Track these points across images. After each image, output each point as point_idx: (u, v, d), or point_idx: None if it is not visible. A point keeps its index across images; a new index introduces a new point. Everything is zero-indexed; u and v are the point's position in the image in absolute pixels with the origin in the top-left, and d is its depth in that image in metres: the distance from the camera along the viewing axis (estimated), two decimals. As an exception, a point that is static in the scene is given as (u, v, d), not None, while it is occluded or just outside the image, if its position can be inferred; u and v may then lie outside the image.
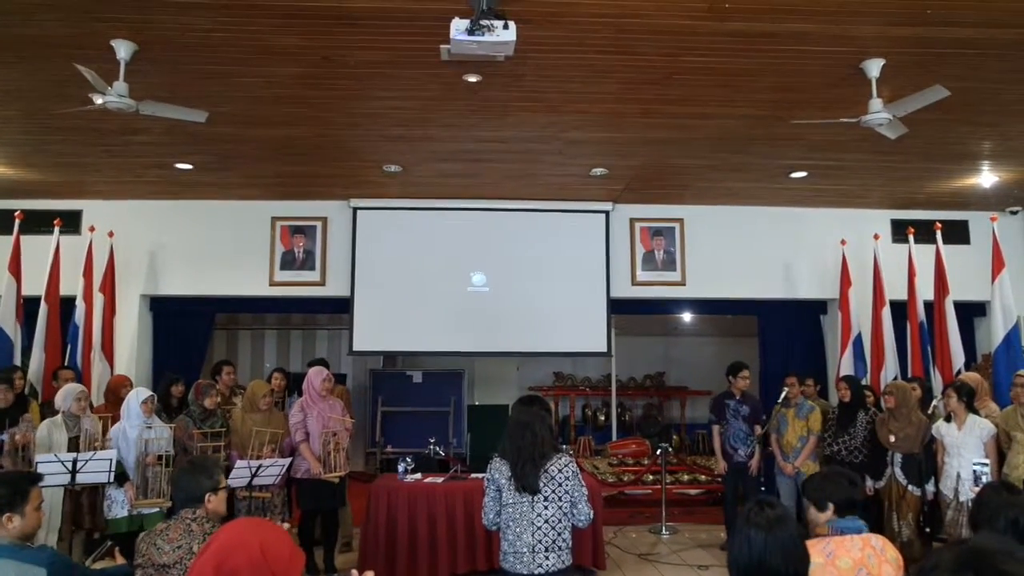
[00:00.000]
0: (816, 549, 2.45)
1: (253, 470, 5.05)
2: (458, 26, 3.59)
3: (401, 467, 6.02)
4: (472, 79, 4.69)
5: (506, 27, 3.63)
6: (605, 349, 7.85)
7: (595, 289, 7.69)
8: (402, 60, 4.43)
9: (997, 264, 6.71)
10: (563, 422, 11.42)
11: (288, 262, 7.64)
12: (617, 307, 7.84)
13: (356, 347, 7.70)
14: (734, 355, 7.33)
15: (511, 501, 3.22)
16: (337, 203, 7.67)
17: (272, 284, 7.61)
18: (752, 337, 8.57)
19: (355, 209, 7.65)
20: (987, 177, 6.78)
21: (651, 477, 8.27)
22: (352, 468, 6.91)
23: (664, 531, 7.09)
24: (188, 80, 4.65)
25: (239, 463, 5.07)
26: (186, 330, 7.64)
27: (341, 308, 7.78)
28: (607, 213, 7.77)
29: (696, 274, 7.81)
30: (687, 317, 10.18)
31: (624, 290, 7.78)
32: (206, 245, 7.55)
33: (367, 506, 5.70)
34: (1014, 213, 7.94)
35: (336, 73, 4.61)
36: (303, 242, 7.68)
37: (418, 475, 5.99)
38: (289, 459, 5.48)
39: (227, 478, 4.88)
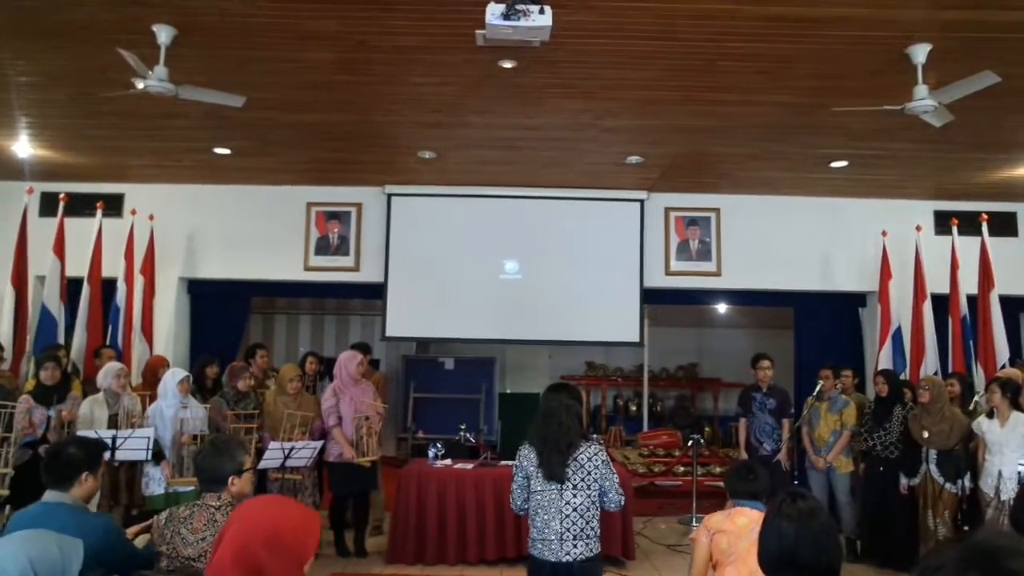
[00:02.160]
0: (717, 514, 3.02)
1: (286, 452, 5.13)
2: (493, 10, 3.57)
3: (431, 452, 6.06)
4: (507, 65, 4.66)
5: (542, 12, 3.60)
6: (637, 339, 7.79)
7: (628, 278, 7.63)
8: (437, 45, 4.42)
9: (1046, 257, 6.51)
10: (594, 412, 11.40)
11: (323, 247, 7.70)
12: (650, 297, 7.77)
13: (389, 333, 7.74)
14: (769, 347, 7.25)
15: (539, 488, 3.21)
16: (372, 189, 7.70)
17: (307, 269, 7.67)
18: (788, 329, 8.43)
19: (389, 195, 7.68)
20: (1036, 167, 6.57)
21: (682, 468, 8.21)
22: (384, 453, 6.98)
23: (694, 522, 7.04)
24: (226, 65, 4.69)
25: (272, 445, 5.15)
26: (222, 313, 7.75)
27: (374, 294, 7.83)
28: (642, 202, 7.68)
29: (731, 265, 7.70)
30: (721, 308, 10.04)
31: (658, 280, 7.70)
32: (243, 229, 7.64)
33: (397, 491, 5.76)
34: (1065, 205, 7.69)
35: (372, 58, 4.61)
36: (337, 227, 7.73)
37: (448, 461, 6.03)
38: (320, 442, 5.55)
39: (260, 459, 5.02)
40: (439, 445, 6.14)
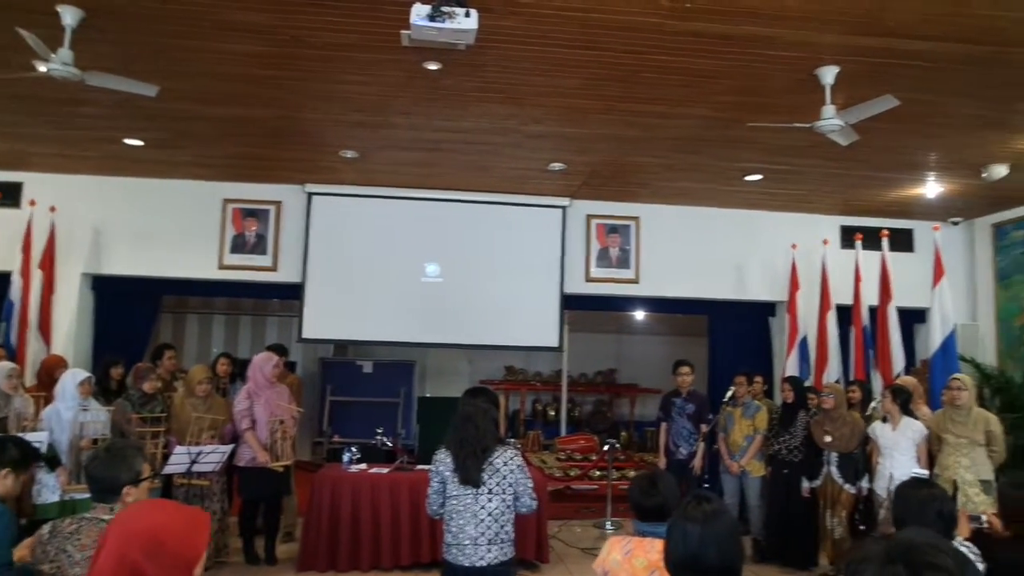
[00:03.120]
0: (617, 546, 2.58)
1: (193, 456, 4.93)
2: (419, 11, 3.53)
3: (346, 457, 5.96)
4: (432, 67, 4.62)
5: (468, 15, 3.57)
6: (557, 344, 7.86)
7: (549, 284, 7.70)
8: (364, 44, 4.35)
9: (937, 272, 6.90)
10: (513, 416, 11.42)
11: (239, 245, 7.47)
12: (570, 303, 7.86)
13: (306, 334, 7.57)
14: (684, 354, 7.42)
15: (455, 493, 3.19)
16: (292, 187, 7.53)
17: (221, 267, 7.42)
18: (702, 337, 8.67)
19: (310, 194, 7.52)
20: (932, 188, 6.97)
21: (598, 472, 8.32)
22: (299, 457, 6.81)
23: (608, 526, 7.14)
24: (140, 52, 4.48)
25: (178, 449, 4.95)
26: (130, 311, 7.40)
27: (292, 294, 7.64)
28: (564, 208, 7.78)
29: (649, 272, 7.87)
30: (639, 315, 10.25)
31: (578, 286, 7.80)
32: (154, 224, 7.32)
33: (310, 496, 5.62)
34: (955, 223, 8.18)
35: (297, 54, 4.49)
36: (255, 225, 7.51)
37: (363, 465, 5.93)
38: (230, 446, 5.37)
39: (166, 464, 4.81)
40: (354, 449, 6.03)
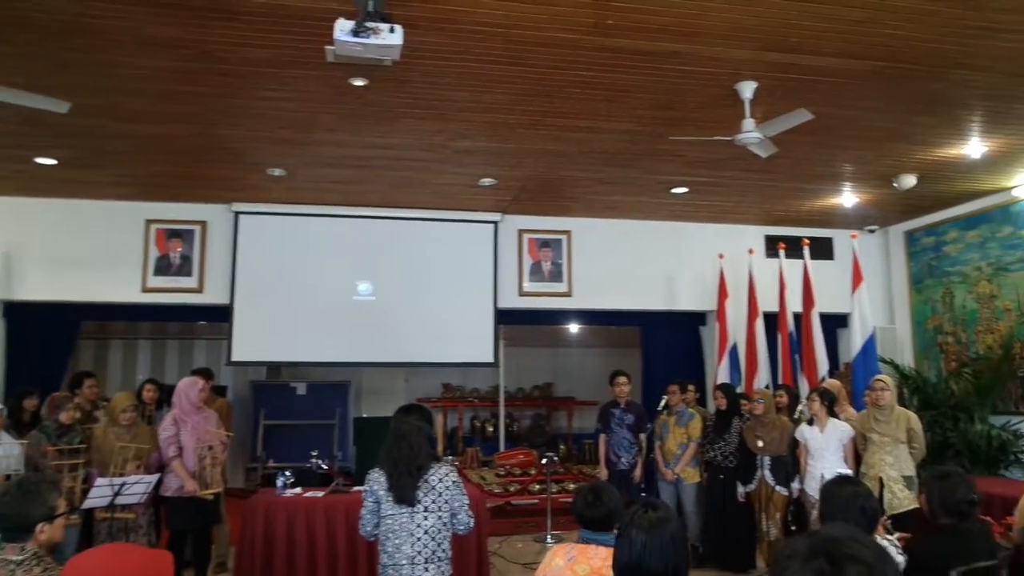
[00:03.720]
0: (560, 553, 2.61)
1: (116, 488, 4.71)
2: (342, 26, 3.49)
3: (280, 481, 5.79)
4: (359, 83, 4.60)
5: (392, 30, 3.55)
6: (492, 360, 7.86)
7: (482, 299, 7.71)
8: (287, 60, 4.29)
9: (856, 279, 7.18)
10: (451, 433, 11.35)
11: (163, 267, 7.23)
12: (504, 318, 7.88)
13: (235, 357, 7.38)
14: (619, 365, 7.51)
15: (390, 512, 3.13)
16: (217, 206, 7.35)
17: (145, 290, 7.17)
18: (637, 348, 8.79)
19: (237, 213, 7.35)
20: (848, 197, 7.26)
21: (537, 487, 8.32)
22: (232, 484, 6.60)
23: (549, 539, 7.13)
24: (50, 67, 4.31)
25: (99, 481, 4.72)
26: (46, 339, 7.05)
27: (220, 316, 7.43)
28: (496, 223, 7.81)
29: (582, 285, 7.96)
30: (574, 328, 10.34)
31: (511, 301, 7.83)
32: (71, 247, 7.03)
33: (242, 524, 5.45)
34: (872, 231, 8.56)
35: (216, 69, 4.40)
36: (180, 246, 7.30)
37: (298, 489, 5.78)
38: (156, 476, 5.15)
39: (87, 498, 4.59)
40: (288, 473, 5.88)
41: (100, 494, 4.66)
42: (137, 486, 4.84)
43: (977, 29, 3.97)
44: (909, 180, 6.54)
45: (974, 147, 5.80)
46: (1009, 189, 6.93)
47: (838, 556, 1.17)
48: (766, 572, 5.91)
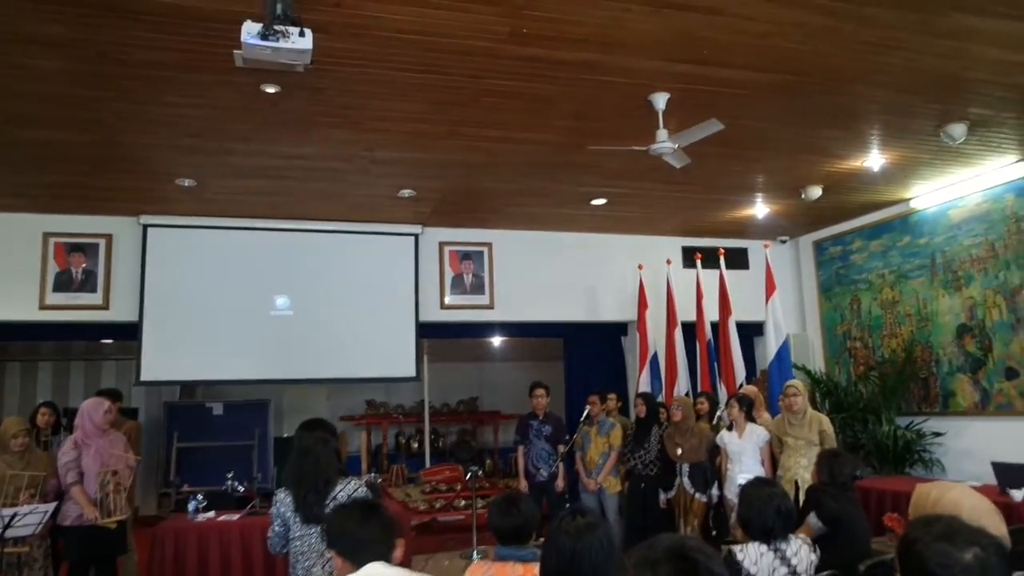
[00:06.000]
0: (479, 572, 2.55)
1: (6, 520, 4.39)
2: (250, 29, 3.37)
3: (191, 505, 5.53)
4: (270, 90, 4.46)
5: (302, 34, 3.45)
6: (414, 374, 7.74)
7: (404, 313, 7.59)
8: (193, 64, 4.12)
9: (770, 287, 7.40)
10: (376, 451, 11.14)
11: (63, 283, 6.84)
12: (426, 331, 7.78)
13: (145, 377, 7.02)
14: (543, 377, 7.50)
15: (299, 533, 3.01)
16: (124, 219, 7.01)
17: (43, 308, 6.76)
18: (560, 360, 8.82)
19: (145, 226, 7.03)
20: (760, 208, 7.49)
21: (463, 502, 8.21)
22: (144, 512, 6.27)
23: (475, 555, 7.03)
24: (-72, 69, 4.03)
25: (-14, 512, 4.39)
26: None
27: (130, 335, 7.06)
28: (416, 236, 7.72)
29: (504, 298, 7.93)
30: (497, 341, 10.31)
31: (433, 314, 7.74)
32: (-42, 264, 6.58)
33: (151, 552, 5.17)
34: (783, 242, 8.85)
35: (116, 72, 4.18)
36: (83, 261, 6.92)
37: (211, 513, 5.53)
38: (51, 504, 4.83)
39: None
40: (199, 497, 5.62)
41: (-12, 527, 4.33)
42: (31, 516, 4.53)
43: (870, 45, 4.14)
44: (815, 191, 6.79)
45: (874, 159, 6.07)
46: (907, 200, 7.29)
47: (681, 562, 1.21)
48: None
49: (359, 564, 2.19)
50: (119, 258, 7.00)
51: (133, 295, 6.97)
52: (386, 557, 2.23)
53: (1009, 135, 5.65)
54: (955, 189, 6.82)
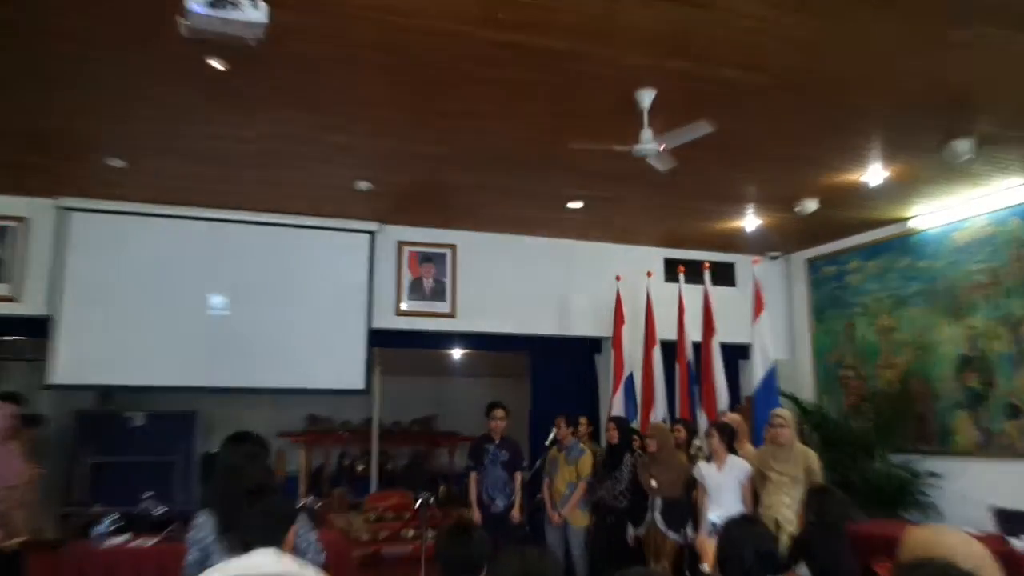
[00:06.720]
0: None
1: None
2: (197, -6, 3.36)
3: (99, 529, 5.43)
4: (217, 64, 4.42)
5: (255, 5, 3.45)
6: (363, 386, 7.69)
7: (354, 318, 7.55)
8: (130, 31, 4.07)
9: (757, 306, 7.50)
10: (316, 473, 11.03)
11: (-36, 271, 6.70)
12: (379, 339, 7.73)
13: (55, 379, 6.89)
14: (509, 396, 7.47)
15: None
16: (41, 201, 6.89)
17: (-62, 298, 6.62)
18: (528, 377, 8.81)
19: (66, 209, 6.91)
20: (750, 221, 7.61)
21: (411, 533, 8.17)
22: (45, 535, 6.14)
23: (423, 592, 6.98)
24: None
25: None
26: None
27: (40, 331, 6.92)
28: (372, 234, 7.69)
29: (467, 306, 7.93)
30: (458, 354, 10.29)
31: (387, 320, 7.71)
32: None
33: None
34: (774, 258, 8.99)
35: (27, 30, 4.06)
36: (-8, 247, 6.79)
37: (124, 538, 5.44)
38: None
39: None
40: (107, 520, 5.52)
41: None
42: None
43: (873, 51, 4.24)
44: (811, 205, 6.92)
45: (874, 173, 6.20)
46: (906, 219, 7.45)
47: None
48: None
49: (246, 549, 2.32)
50: (35, 244, 6.89)
51: (48, 286, 6.84)
52: (277, 543, 2.41)
53: (1016, 154, 5.82)
54: (959, 210, 6.99)
